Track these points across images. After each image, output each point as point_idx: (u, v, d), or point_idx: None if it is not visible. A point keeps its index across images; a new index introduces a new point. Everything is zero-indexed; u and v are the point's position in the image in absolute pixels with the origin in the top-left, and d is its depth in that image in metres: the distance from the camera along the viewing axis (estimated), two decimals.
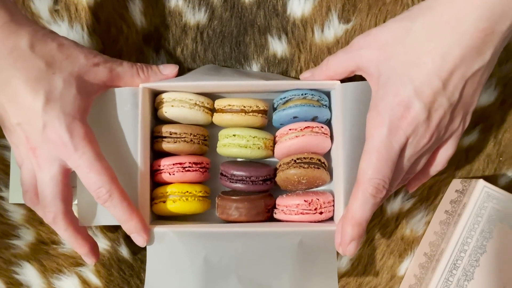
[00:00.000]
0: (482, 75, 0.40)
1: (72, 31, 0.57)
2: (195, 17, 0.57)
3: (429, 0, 0.40)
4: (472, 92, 0.41)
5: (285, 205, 0.50)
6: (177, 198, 0.50)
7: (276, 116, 0.52)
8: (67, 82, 0.45)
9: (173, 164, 0.50)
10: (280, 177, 0.51)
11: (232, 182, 0.51)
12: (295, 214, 0.49)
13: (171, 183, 0.51)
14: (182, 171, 0.50)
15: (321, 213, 0.49)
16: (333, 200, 0.50)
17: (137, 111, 0.49)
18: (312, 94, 0.51)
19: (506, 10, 0.37)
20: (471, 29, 0.37)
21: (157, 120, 0.54)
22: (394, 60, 0.41)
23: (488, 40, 0.38)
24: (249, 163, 0.53)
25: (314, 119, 0.52)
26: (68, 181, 0.47)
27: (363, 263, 0.56)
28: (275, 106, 0.53)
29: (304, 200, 0.49)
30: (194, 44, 0.58)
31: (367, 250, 0.56)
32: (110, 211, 0.46)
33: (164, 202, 0.50)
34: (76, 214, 0.48)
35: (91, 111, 0.48)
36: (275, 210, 0.52)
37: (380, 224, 0.57)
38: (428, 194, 0.57)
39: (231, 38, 0.57)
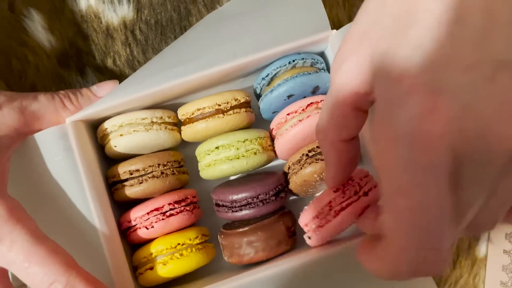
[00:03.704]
0: None
1: None
2: (118, 13, 0.43)
3: None
4: None
5: (315, 215, 0.35)
6: (168, 258, 0.35)
7: (264, 104, 0.38)
8: None
9: (148, 213, 0.36)
10: (295, 183, 0.37)
11: (236, 211, 0.37)
12: (334, 217, 0.33)
13: (153, 239, 0.36)
14: (163, 219, 0.35)
15: (365, 194, 0.32)
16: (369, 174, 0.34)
17: (74, 157, 0.34)
18: (303, 59, 0.37)
19: None
20: None
21: (108, 160, 0.39)
22: (382, 40, 0.23)
23: None
24: (248, 178, 0.39)
25: (315, 90, 0.38)
26: (7, 283, 0.32)
27: None
28: (258, 91, 0.39)
29: (334, 191, 0.33)
30: (127, 48, 0.43)
31: None
32: None
33: (152, 268, 0.35)
34: None
35: (9, 176, 0.33)
36: (306, 235, 0.36)
37: None
38: None
39: (173, 26, 0.43)
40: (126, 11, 0.43)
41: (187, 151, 0.41)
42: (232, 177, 0.41)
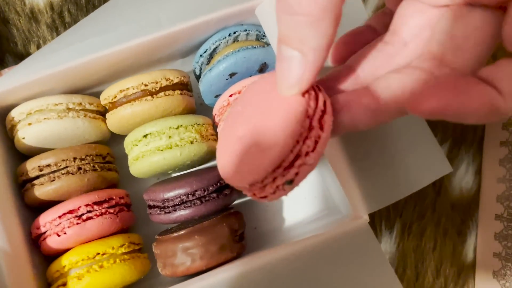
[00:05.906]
0: None
1: None
2: None
3: None
4: None
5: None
6: (84, 271, 0.29)
7: (204, 85, 0.32)
8: None
9: (59, 217, 0.29)
10: None
11: (169, 212, 0.30)
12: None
13: (68, 249, 0.30)
14: (77, 223, 0.29)
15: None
16: None
17: None
18: (246, 30, 0.31)
19: None
20: None
21: (22, 156, 0.33)
22: None
23: None
24: (187, 173, 0.33)
25: (262, 68, 0.32)
26: None
27: (410, 261, 0.37)
28: (197, 72, 0.33)
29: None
30: (54, 32, 0.38)
31: (409, 241, 0.37)
32: None
33: (65, 285, 0.29)
34: None
35: None
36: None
37: (413, 197, 0.37)
38: (464, 132, 0.38)
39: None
40: None
41: (119, 145, 0.35)
42: (174, 174, 0.35)
